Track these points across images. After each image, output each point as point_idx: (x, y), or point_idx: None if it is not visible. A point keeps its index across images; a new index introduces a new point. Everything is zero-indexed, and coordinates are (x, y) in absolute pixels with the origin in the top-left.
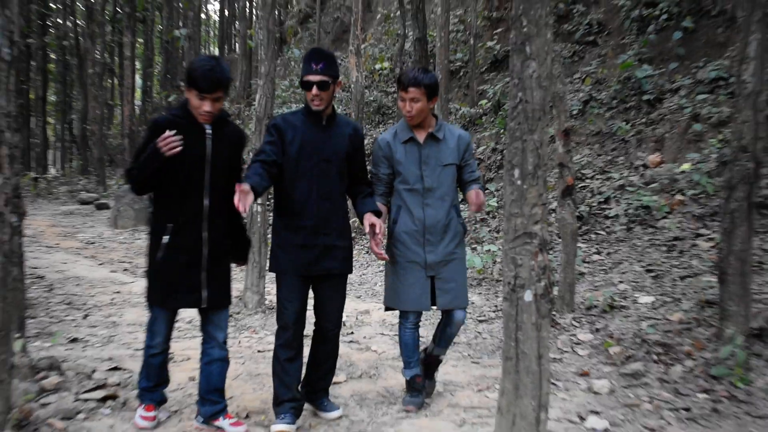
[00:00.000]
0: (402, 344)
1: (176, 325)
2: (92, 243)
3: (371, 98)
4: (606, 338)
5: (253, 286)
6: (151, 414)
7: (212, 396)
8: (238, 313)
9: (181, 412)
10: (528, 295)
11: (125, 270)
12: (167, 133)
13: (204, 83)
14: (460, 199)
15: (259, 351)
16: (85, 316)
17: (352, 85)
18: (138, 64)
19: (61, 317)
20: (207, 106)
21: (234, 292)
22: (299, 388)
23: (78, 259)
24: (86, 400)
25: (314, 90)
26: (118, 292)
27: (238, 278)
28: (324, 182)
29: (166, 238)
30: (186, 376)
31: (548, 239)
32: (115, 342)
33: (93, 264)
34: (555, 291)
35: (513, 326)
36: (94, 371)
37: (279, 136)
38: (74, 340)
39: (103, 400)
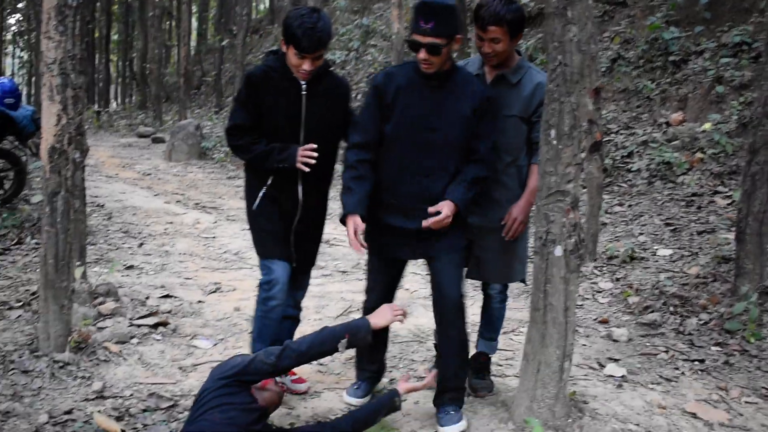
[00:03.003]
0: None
1: (223, 255)
2: (148, 174)
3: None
4: (625, 288)
5: None
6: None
7: None
8: None
9: (226, 340)
10: (558, 251)
11: (178, 202)
12: (308, 149)
13: (306, 42)
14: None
15: None
16: (141, 245)
17: (394, 36)
18: (194, 8)
19: (118, 245)
20: (307, 65)
21: None
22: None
23: (135, 189)
24: (140, 325)
25: (422, 53)
26: (171, 223)
27: None
28: (425, 156)
29: (262, 191)
30: (231, 306)
31: (579, 197)
32: (167, 270)
33: (148, 195)
34: None
35: (542, 279)
36: (147, 298)
37: (377, 100)
38: (130, 267)
39: (155, 326)
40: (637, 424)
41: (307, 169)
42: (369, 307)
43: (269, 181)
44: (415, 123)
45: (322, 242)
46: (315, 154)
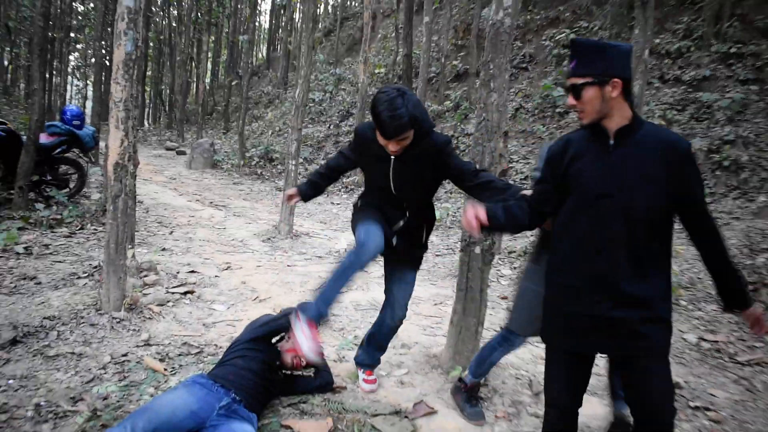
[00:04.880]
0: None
1: (232, 242)
2: (174, 179)
3: (371, 93)
4: (519, 274)
5: (285, 220)
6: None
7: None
8: (274, 237)
9: (236, 305)
10: (477, 249)
11: (197, 200)
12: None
13: (389, 129)
14: None
15: (288, 266)
16: (171, 232)
17: (359, 84)
18: (210, 55)
19: (154, 232)
20: (392, 147)
21: (272, 223)
22: None
23: (165, 190)
24: (173, 293)
25: (569, 99)
26: (192, 216)
27: (275, 212)
28: (598, 228)
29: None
30: (239, 280)
31: None
32: (191, 252)
33: (175, 194)
34: None
35: (465, 269)
36: (178, 272)
37: (547, 170)
38: (164, 250)
39: (185, 293)
40: (526, 371)
41: None
42: (552, 400)
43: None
44: (586, 190)
45: (304, 234)
46: None
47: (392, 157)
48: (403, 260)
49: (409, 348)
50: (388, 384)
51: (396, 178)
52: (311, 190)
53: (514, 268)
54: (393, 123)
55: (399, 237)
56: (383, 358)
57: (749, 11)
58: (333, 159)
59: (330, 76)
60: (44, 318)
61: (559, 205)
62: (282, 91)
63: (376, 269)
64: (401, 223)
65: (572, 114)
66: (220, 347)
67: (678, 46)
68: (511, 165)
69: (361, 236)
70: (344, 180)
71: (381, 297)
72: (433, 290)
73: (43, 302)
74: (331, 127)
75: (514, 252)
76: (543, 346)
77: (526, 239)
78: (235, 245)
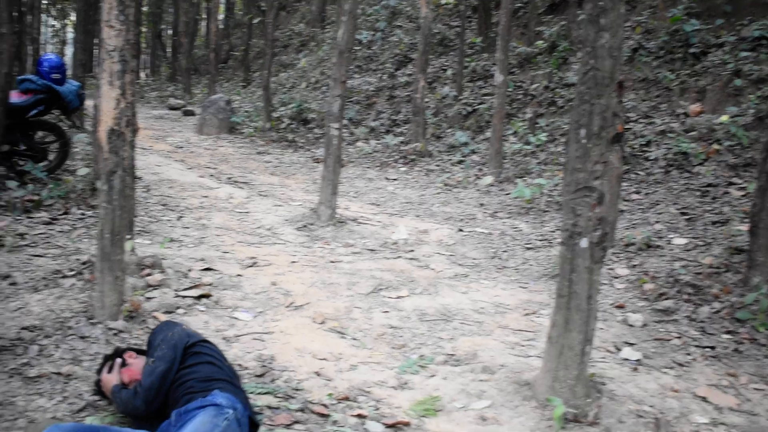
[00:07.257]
0: None
1: (257, 230)
2: (181, 147)
3: (436, 31)
4: (641, 275)
5: (326, 201)
6: None
7: None
8: (312, 224)
9: (265, 313)
10: (584, 242)
11: (211, 176)
12: None
13: None
14: None
15: (331, 261)
16: (179, 218)
17: (422, 20)
18: None
19: (158, 217)
20: None
21: (309, 205)
22: None
23: (169, 162)
24: (185, 297)
25: None
26: (205, 197)
27: (313, 190)
28: None
29: None
30: (268, 280)
31: (605, 193)
32: (205, 243)
33: (183, 168)
34: None
35: (568, 268)
36: (189, 270)
37: None
38: (171, 240)
39: (199, 298)
40: (651, 406)
41: None
42: None
43: None
44: None
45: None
46: None
47: None
48: None
49: (492, 372)
50: (465, 420)
51: None
52: None
53: (633, 266)
54: None
55: None
56: (457, 386)
57: None
58: None
59: (381, 9)
60: (22, 329)
61: None
62: (319, 31)
63: (447, 265)
64: None
65: (712, 56)
66: (246, 368)
67: None
68: (627, 126)
69: None
70: (402, 148)
71: (453, 304)
72: (523, 296)
73: (20, 308)
74: (384, 77)
75: (634, 244)
76: (673, 373)
77: (648, 226)
78: (262, 234)
